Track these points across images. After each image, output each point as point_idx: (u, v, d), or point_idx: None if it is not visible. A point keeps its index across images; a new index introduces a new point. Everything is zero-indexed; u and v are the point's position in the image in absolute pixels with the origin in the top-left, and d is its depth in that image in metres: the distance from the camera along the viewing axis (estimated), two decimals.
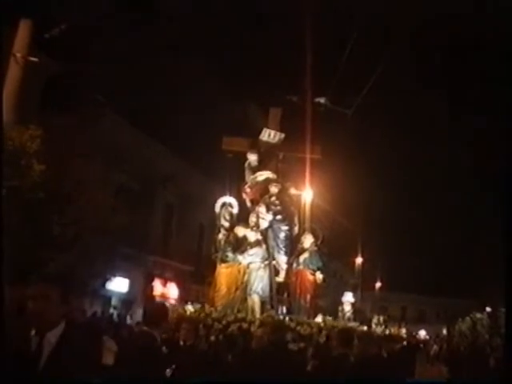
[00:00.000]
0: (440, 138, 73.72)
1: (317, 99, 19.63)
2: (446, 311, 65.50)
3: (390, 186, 64.62)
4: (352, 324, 15.53)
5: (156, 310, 6.57)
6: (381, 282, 56.84)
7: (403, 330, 37.67)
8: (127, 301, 29.98)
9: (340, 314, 21.99)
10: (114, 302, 29.26)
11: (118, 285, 27.63)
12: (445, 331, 46.98)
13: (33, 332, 4.13)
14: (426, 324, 65.00)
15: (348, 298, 23.61)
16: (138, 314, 29.38)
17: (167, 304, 12.26)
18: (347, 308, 22.70)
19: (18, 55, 14.48)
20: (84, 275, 18.85)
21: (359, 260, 46.64)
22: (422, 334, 53.30)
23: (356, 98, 19.03)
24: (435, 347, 29.86)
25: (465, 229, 65.07)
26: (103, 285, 24.24)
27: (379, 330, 26.59)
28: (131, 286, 29.64)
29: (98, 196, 17.35)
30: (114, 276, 24.73)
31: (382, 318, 30.64)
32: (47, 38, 15.88)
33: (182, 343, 8.80)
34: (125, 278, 28.40)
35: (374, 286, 55.89)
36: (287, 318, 12.93)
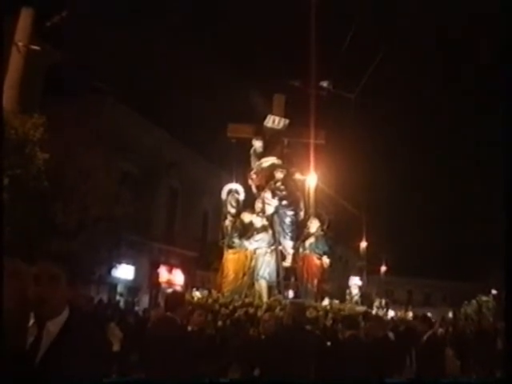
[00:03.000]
0: (444, 120, 73.61)
1: (320, 83, 19.64)
2: (452, 294, 65.62)
3: (394, 170, 64.69)
4: (360, 308, 15.54)
5: (174, 297, 7.05)
6: (386, 265, 57.02)
7: (410, 314, 37.80)
8: (133, 288, 30.14)
9: (348, 297, 22.01)
10: (119, 289, 29.40)
11: (124, 272, 27.78)
12: (451, 314, 47.02)
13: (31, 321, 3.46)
14: (431, 307, 65.17)
15: (355, 281, 23.70)
16: (145, 300, 29.57)
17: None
18: (355, 291, 22.74)
19: (20, 44, 14.50)
20: (89, 263, 18.94)
21: (364, 244, 46.69)
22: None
23: (359, 81, 19.04)
24: (441, 330, 29.89)
25: (471, 211, 65.07)
26: (109, 272, 24.38)
27: (381, 312, 26.78)
28: (137, 272, 29.78)
29: (102, 183, 17.41)
30: (120, 263, 24.84)
31: (383, 302, 30.81)
32: (48, 26, 15.86)
33: (191, 329, 8.89)
34: (130, 265, 28.53)
35: (379, 270, 56.07)
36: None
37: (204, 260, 31.57)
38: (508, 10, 4.98)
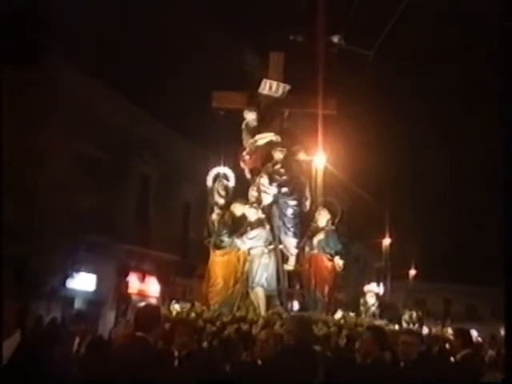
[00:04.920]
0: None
1: (329, 38, 19.62)
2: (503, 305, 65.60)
3: (424, 147, 64.26)
4: (379, 322, 15.47)
5: (147, 312, 6.97)
6: (416, 268, 56.86)
7: (449, 331, 37.44)
8: (95, 302, 30.10)
9: (362, 308, 21.44)
10: (77, 304, 29.36)
11: (83, 282, 27.77)
12: (502, 331, 46.93)
13: None
14: (476, 322, 65.04)
15: (371, 287, 23.11)
16: (110, 317, 29.59)
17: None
18: (371, 301, 21.96)
19: None
20: (39, 271, 18.97)
21: (387, 241, 46.66)
22: (473, 335, 52.65)
23: (378, 35, 19.03)
24: (490, 352, 29.44)
25: None
26: (63, 283, 24.37)
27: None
28: (100, 283, 29.77)
29: (56, 171, 17.42)
30: (78, 271, 24.87)
31: (414, 315, 30.55)
32: None
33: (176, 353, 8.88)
34: (91, 273, 28.56)
35: (407, 274, 55.98)
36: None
37: (185, 264, 31.69)
38: None
